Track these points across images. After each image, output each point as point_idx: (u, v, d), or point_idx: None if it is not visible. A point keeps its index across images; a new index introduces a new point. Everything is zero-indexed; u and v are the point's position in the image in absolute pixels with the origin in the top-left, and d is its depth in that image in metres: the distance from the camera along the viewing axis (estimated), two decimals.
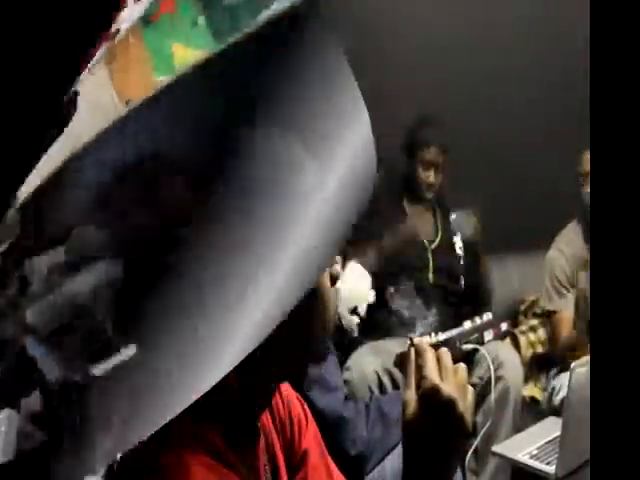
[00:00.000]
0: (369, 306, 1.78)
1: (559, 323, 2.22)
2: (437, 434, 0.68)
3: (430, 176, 2.34)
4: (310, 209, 0.48)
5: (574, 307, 2.17)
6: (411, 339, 0.74)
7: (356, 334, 1.77)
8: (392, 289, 2.13)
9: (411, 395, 0.69)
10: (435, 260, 2.35)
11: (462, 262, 2.39)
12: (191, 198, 0.48)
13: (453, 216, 2.40)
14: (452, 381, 0.69)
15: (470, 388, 0.70)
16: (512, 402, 2.09)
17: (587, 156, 2.17)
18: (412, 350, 0.73)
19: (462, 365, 0.71)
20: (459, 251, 2.39)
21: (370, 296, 1.76)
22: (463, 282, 2.38)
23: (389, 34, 2.47)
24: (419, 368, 0.71)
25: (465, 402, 0.68)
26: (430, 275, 2.32)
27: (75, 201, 0.54)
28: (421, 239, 2.33)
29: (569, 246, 2.29)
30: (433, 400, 0.67)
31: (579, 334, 2.09)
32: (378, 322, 2.11)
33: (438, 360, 0.71)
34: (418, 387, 0.70)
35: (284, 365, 0.71)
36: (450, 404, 0.67)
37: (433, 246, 2.38)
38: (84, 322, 0.47)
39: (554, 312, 2.26)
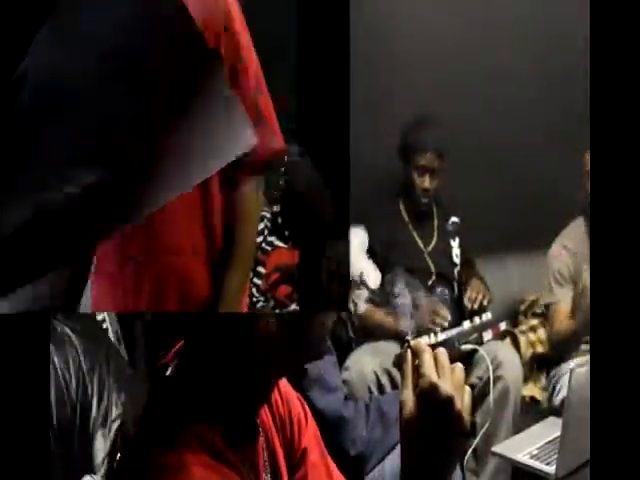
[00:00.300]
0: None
1: (557, 314, 2.22)
2: (435, 433, 0.68)
3: (425, 181, 2.30)
4: None
5: (572, 302, 2.17)
6: (407, 340, 0.74)
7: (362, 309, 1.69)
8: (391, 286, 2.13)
9: (408, 394, 0.70)
10: (434, 263, 2.35)
11: (457, 269, 2.38)
12: None
13: (452, 220, 2.39)
14: (449, 380, 0.69)
15: (467, 388, 0.70)
16: (512, 402, 2.08)
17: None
18: (409, 350, 0.73)
19: (459, 365, 0.71)
20: (455, 259, 2.38)
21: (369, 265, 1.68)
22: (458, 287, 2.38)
23: (389, 34, 2.46)
24: (417, 368, 0.71)
25: (462, 401, 0.68)
26: (432, 278, 2.32)
27: None
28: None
29: (573, 243, 2.29)
30: (431, 398, 0.68)
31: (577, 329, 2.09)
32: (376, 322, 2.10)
33: (435, 359, 0.71)
34: (416, 387, 0.70)
35: (283, 361, 0.71)
36: (447, 402, 0.67)
37: (429, 249, 2.38)
38: None
39: (553, 303, 2.25)
